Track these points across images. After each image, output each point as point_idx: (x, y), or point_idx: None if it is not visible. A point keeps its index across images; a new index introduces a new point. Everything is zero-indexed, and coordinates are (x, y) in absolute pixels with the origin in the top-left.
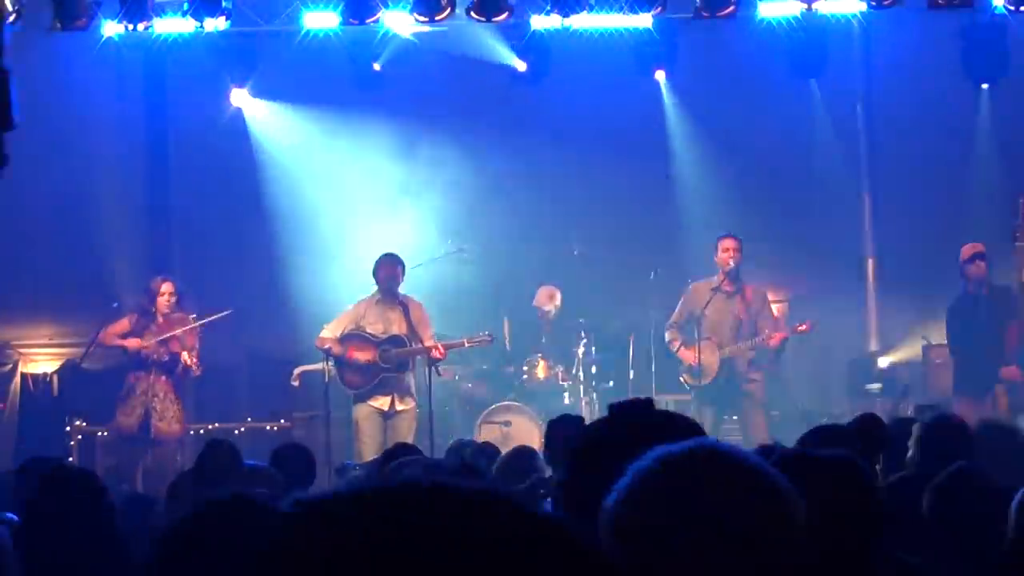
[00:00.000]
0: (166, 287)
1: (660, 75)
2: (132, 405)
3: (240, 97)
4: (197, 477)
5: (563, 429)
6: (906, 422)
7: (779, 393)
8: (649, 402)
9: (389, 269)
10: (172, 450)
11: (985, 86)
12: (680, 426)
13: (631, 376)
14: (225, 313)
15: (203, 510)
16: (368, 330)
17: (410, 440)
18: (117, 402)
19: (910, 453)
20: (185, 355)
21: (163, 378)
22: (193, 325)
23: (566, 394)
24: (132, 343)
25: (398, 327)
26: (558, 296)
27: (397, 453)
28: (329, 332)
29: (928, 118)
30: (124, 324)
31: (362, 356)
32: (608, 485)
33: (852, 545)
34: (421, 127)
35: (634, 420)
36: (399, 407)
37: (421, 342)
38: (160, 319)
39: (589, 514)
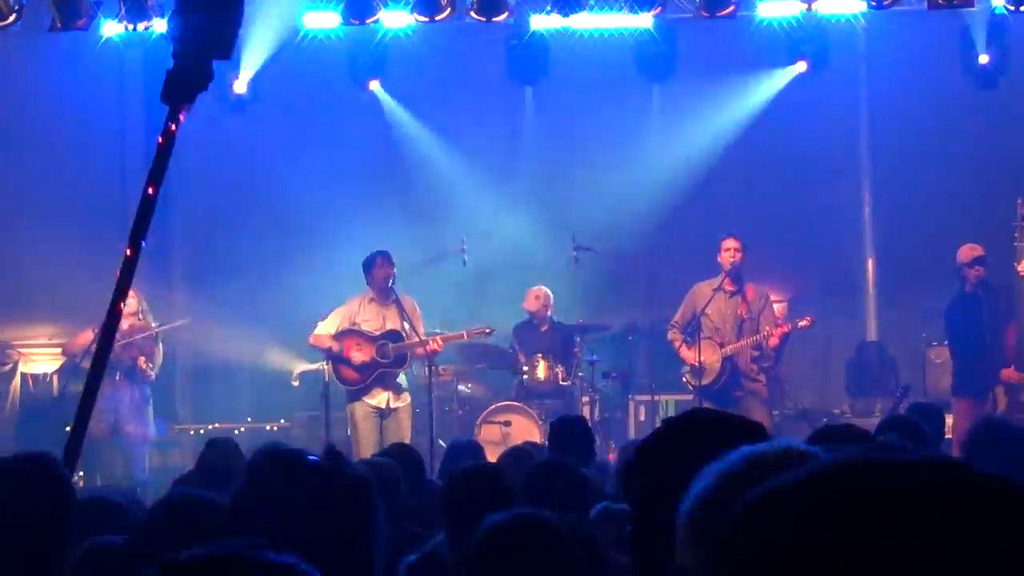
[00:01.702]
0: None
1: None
2: (100, 411)
3: (241, 93)
4: (199, 476)
5: (565, 428)
6: (902, 420)
7: (779, 393)
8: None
9: (387, 268)
10: (141, 450)
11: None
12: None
13: (630, 376)
14: (183, 322)
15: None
16: (364, 327)
17: (407, 437)
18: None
19: None
20: (142, 359)
21: (127, 383)
22: (150, 331)
23: (566, 394)
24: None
25: (393, 324)
26: (543, 296)
27: (398, 453)
28: (323, 330)
29: (929, 118)
30: (88, 336)
31: (359, 352)
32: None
33: None
34: (421, 127)
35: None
36: (394, 404)
37: (418, 338)
38: (123, 326)
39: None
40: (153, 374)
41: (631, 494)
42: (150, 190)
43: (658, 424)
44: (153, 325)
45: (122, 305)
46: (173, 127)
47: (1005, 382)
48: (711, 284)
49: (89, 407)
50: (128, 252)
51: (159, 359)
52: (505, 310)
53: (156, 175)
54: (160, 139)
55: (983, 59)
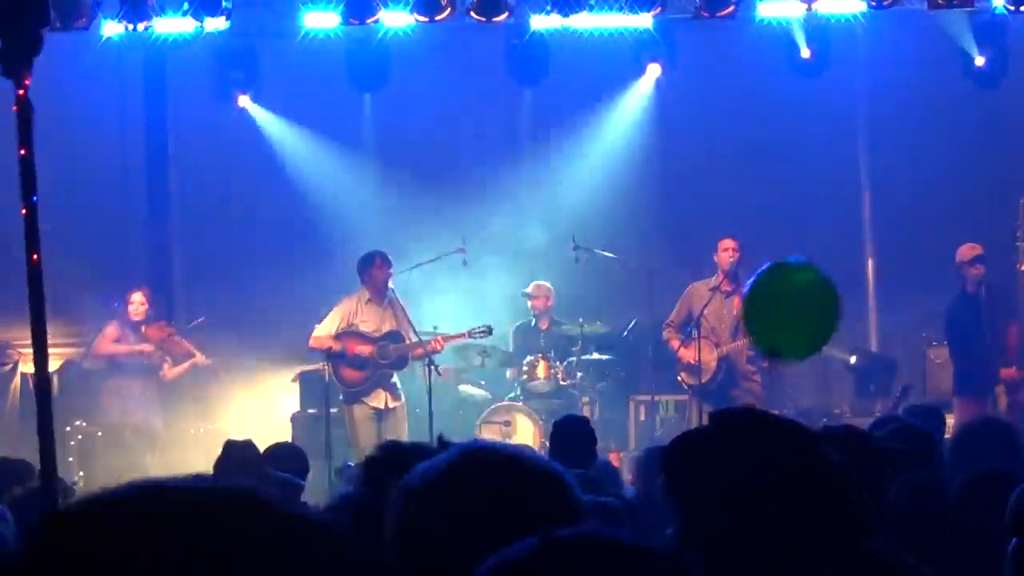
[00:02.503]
0: (136, 296)
1: (655, 68)
2: (126, 408)
3: (243, 98)
4: (218, 477)
5: (567, 429)
6: (896, 420)
7: (779, 393)
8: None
9: (386, 269)
10: (152, 447)
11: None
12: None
13: (630, 376)
14: (199, 321)
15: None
16: (362, 328)
17: (404, 437)
18: (110, 401)
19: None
20: (199, 356)
21: (154, 380)
22: (169, 335)
23: (566, 394)
24: (147, 348)
25: (390, 325)
26: (544, 287)
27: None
28: (323, 331)
29: (928, 118)
30: (114, 331)
31: (360, 353)
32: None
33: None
34: (420, 127)
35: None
36: (392, 404)
37: (417, 338)
38: (142, 328)
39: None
40: (210, 362)
41: (681, 493)
42: (22, 152)
43: (658, 425)
44: (170, 325)
45: (36, 257)
46: (22, 93)
47: (1005, 381)
48: (707, 284)
49: (48, 404)
50: (24, 212)
51: (193, 350)
52: (505, 310)
53: (25, 139)
54: (15, 107)
55: (979, 61)
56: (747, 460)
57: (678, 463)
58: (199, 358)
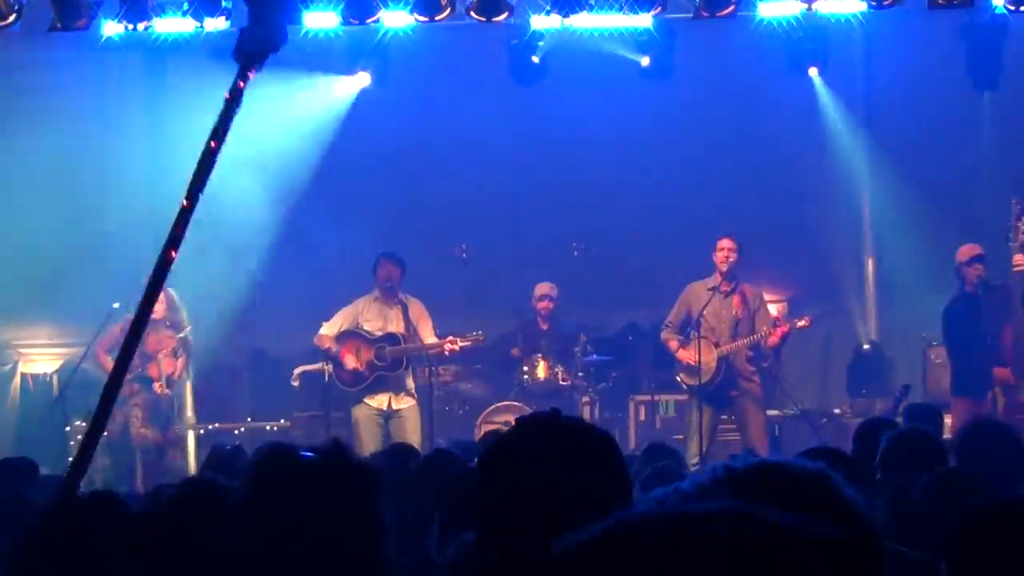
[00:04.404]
0: None
1: (645, 61)
2: (112, 413)
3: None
4: (203, 481)
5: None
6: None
7: (779, 393)
8: (556, 413)
9: (387, 268)
10: (153, 452)
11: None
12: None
13: (630, 376)
14: (185, 331)
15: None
16: (366, 328)
17: (415, 440)
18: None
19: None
20: (158, 385)
21: (139, 385)
22: (167, 349)
23: (566, 394)
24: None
25: (396, 326)
26: (548, 288)
27: (397, 453)
28: (327, 330)
29: (928, 118)
30: (115, 335)
31: (355, 356)
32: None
33: None
34: (421, 127)
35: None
36: (396, 406)
37: (420, 341)
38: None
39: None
40: (169, 391)
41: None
42: (212, 144)
43: (658, 425)
44: (178, 336)
45: (173, 254)
46: (241, 84)
47: (999, 382)
48: (706, 284)
49: (107, 413)
50: (185, 203)
51: (179, 371)
52: (505, 310)
53: (218, 132)
54: (227, 95)
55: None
56: (549, 468)
57: (490, 471)
58: (157, 387)
